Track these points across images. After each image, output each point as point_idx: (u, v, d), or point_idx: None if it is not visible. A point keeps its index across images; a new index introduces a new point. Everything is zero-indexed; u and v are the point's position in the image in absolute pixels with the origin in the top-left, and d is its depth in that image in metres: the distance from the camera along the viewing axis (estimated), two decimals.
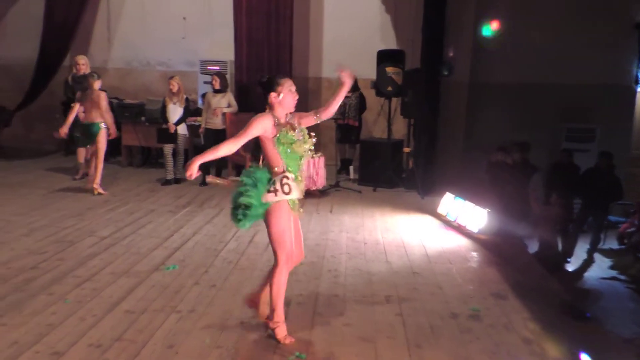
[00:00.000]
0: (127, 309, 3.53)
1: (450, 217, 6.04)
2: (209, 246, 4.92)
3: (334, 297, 3.90)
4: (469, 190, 6.08)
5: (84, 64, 8.00)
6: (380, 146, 7.94)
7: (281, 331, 3.18)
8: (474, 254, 5.07)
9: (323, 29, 9.42)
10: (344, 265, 4.57)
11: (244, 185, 3.11)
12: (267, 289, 3.22)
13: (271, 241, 3.17)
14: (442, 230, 5.80)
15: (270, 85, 3.14)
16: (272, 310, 3.16)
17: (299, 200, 3.26)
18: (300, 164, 3.22)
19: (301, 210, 3.30)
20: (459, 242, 5.40)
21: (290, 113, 3.24)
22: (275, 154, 3.13)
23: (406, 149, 7.92)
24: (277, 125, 3.13)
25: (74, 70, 8.18)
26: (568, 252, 5.96)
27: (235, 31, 8.35)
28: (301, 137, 3.18)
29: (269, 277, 3.22)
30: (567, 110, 7.06)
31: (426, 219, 6.21)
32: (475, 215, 5.64)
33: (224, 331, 3.29)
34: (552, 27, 7.08)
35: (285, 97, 3.14)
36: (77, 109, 6.68)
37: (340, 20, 9.29)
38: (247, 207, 3.05)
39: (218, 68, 8.77)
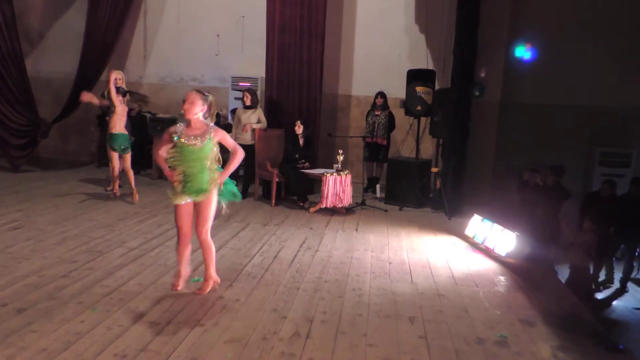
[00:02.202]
0: (153, 320, 3.57)
1: (478, 239, 5.94)
2: (234, 260, 4.95)
3: (358, 316, 3.87)
4: (498, 212, 5.98)
5: (120, 79, 8.23)
6: (408, 165, 7.90)
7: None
8: (502, 277, 4.96)
9: (354, 46, 9.51)
10: (368, 285, 4.54)
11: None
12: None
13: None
14: (469, 253, 5.71)
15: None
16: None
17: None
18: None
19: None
20: (486, 265, 5.30)
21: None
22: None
23: (434, 169, 7.86)
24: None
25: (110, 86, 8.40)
26: (607, 280, 5.79)
27: (267, 48, 8.49)
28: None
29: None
30: (601, 133, 6.92)
31: (453, 240, 6.12)
32: (503, 238, 5.53)
33: (247, 346, 3.29)
34: (585, 48, 6.99)
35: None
36: (99, 102, 7.04)
37: (371, 38, 9.36)
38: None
39: (249, 84, 8.92)
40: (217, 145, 3.99)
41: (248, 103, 7.60)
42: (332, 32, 9.03)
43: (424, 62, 8.98)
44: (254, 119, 7.60)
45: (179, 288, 4.13)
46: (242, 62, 9.58)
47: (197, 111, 3.88)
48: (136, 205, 6.78)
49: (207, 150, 3.89)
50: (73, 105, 9.24)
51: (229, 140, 4.06)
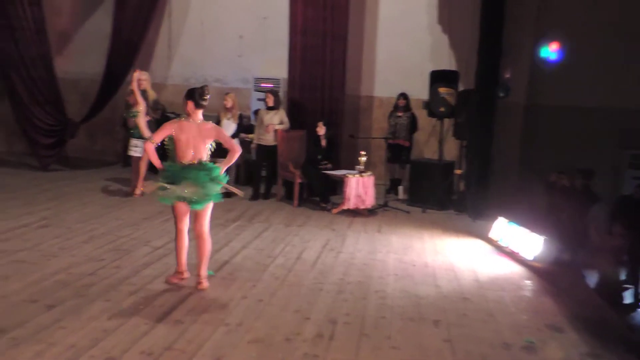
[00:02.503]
0: (178, 318, 3.61)
1: (503, 243, 5.86)
2: (258, 260, 4.98)
3: (381, 318, 3.85)
4: (524, 215, 5.88)
5: (144, 79, 8.36)
6: (430, 167, 7.83)
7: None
8: (528, 282, 4.88)
9: (376, 47, 9.47)
10: (391, 287, 4.51)
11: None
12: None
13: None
14: (493, 256, 5.63)
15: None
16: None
17: None
18: None
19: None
20: (512, 269, 5.22)
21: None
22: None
23: (458, 171, 7.78)
24: None
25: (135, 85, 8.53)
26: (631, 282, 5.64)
27: (289, 49, 8.51)
28: None
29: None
30: (630, 135, 6.75)
31: (477, 243, 6.05)
32: (530, 242, 5.44)
33: (270, 347, 3.30)
34: (613, 48, 6.84)
35: None
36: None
37: (394, 39, 9.31)
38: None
39: (271, 85, 8.96)
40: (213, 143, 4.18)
41: (270, 104, 7.63)
42: (355, 34, 9.01)
43: (447, 62, 8.90)
44: (277, 120, 7.63)
45: (173, 282, 4.21)
46: (265, 63, 9.61)
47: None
48: (160, 205, 6.83)
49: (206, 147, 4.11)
50: (100, 106, 9.42)
51: (226, 138, 4.27)
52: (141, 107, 7.02)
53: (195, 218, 4.18)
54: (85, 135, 10.11)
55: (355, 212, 7.05)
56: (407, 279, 4.73)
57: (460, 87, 8.05)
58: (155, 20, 9.76)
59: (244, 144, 8.21)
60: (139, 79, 8.25)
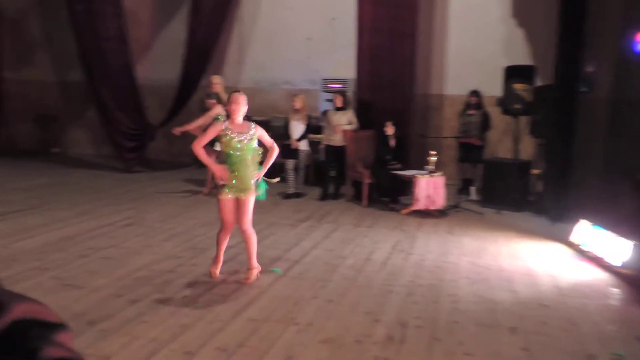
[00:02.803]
0: (250, 316, 3.71)
1: (586, 247, 5.51)
2: (327, 261, 5.01)
3: (454, 323, 3.75)
4: (609, 217, 5.50)
5: (217, 83, 8.67)
6: (505, 166, 7.53)
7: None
8: (615, 290, 4.57)
9: (447, 44, 9.25)
10: (464, 291, 4.38)
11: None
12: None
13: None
14: (575, 261, 5.31)
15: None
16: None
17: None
18: None
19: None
20: (596, 276, 4.90)
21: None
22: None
23: (535, 171, 7.42)
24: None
25: (209, 89, 8.89)
26: None
27: (357, 50, 8.49)
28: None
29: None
30: None
31: (557, 247, 5.73)
32: (617, 247, 5.08)
33: (341, 348, 3.31)
34: None
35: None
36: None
37: (465, 34, 9.05)
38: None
39: (340, 86, 8.99)
40: (257, 142, 4.30)
41: (339, 105, 7.66)
42: (424, 31, 8.84)
43: (523, 57, 8.51)
44: (345, 120, 7.64)
45: (217, 275, 4.41)
46: (333, 64, 9.66)
47: (243, 111, 4.21)
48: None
49: (251, 146, 4.20)
50: (176, 110, 9.88)
51: (266, 137, 4.36)
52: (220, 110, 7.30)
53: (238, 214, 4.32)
54: (164, 138, 10.64)
55: (425, 213, 6.92)
56: (481, 283, 4.57)
57: (537, 83, 7.68)
58: (227, 26, 10.09)
59: (313, 145, 8.31)
60: (213, 82, 8.60)
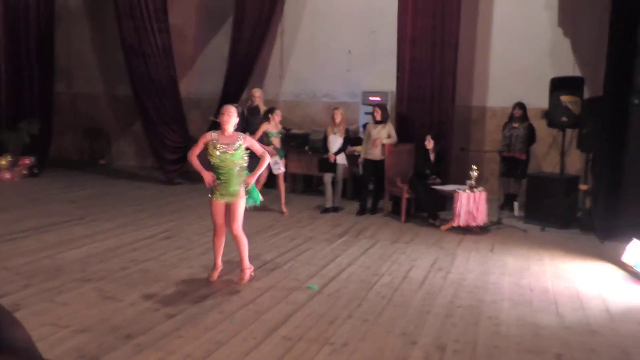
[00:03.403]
0: (285, 334, 3.68)
1: (639, 268, 5.21)
2: (363, 278, 4.93)
3: (494, 348, 3.60)
4: None
5: (258, 96, 8.78)
6: (551, 182, 7.25)
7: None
8: None
9: (490, 55, 9.04)
10: (506, 313, 4.21)
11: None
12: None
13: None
14: (627, 283, 5.02)
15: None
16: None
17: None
18: None
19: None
20: None
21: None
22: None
23: (583, 186, 7.11)
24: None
25: (249, 102, 9.02)
26: None
27: (398, 61, 8.40)
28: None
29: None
30: None
31: (607, 268, 5.45)
32: None
33: None
34: None
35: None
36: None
37: (509, 45, 8.82)
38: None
39: (379, 99, 8.93)
40: (246, 151, 4.56)
41: (378, 118, 7.59)
42: (466, 40, 8.67)
43: (570, 68, 8.22)
44: (384, 134, 7.56)
45: (214, 279, 4.64)
46: (373, 76, 9.62)
47: (233, 122, 4.48)
48: (271, 219, 7.12)
49: (238, 155, 4.46)
50: (218, 124, 10.05)
51: (256, 147, 4.67)
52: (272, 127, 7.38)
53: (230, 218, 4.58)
54: (205, 151, 10.85)
55: (465, 230, 6.73)
56: (524, 306, 4.39)
57: (586, 95, 7.39)
58: (269, 39, 10.22)
59: (351, 158, 8.26)
60: (254, 95, 8.71)
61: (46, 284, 4.43)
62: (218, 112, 9.90)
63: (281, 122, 7.83)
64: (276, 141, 7.49)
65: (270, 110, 7.62)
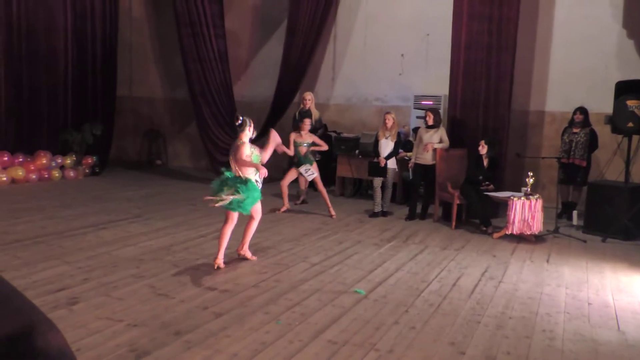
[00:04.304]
0: (330, 338, 3.66)
1: None
2: (411, 284, 4.85)
3: None
4: None
5: (309, 100, 8.85)
6: (614, 190, 6.88)
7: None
8: None
9: (550, 58, 8.71)
10: (561, 327, 4.02)
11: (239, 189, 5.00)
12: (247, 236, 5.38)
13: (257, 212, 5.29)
14: None
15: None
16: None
17: None
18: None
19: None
20: None
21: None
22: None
23: None
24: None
25: (301, 106, 9.09)
26: None
27: (451, 65, 8.23)
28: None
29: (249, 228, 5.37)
30: None
31: None
32: None
33: None
34: None
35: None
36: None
37: (570, 47, 8.47)
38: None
39: (431, 103, 8.78)
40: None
41: (430, 123, 7.47)
42: (524, 44, 8.39)
43: (636, 71, 7.77)
44: (436, 138, 7.43)
45: (222, 265, 5.04)
46: (425, 80, 9.48)
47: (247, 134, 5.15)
48: (319, 221, 7.14)
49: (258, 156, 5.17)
50: (269, 127, 10.20)
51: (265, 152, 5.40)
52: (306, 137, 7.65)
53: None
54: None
55: (519, 238, 6.50)
56: (582, 320, 4.17)
57: None
58: (322, 43, 10.28)
59: (402, 163, 8.16)
60: (305, 99, 8.81)
61: (103, 279, 4.63)
62: (272, 115, 10.13)
63: (329, 126, 7.97)
64: (303, 150, 7.58)
65: (300, 120, 7.85)
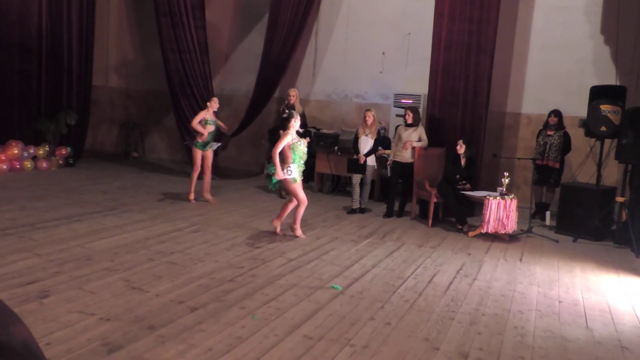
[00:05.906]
0: (306, 333, 3.66)
1: None
2: (387, 281, 4.88)
3: (520, 359, 3.50)
4: None
5: (293, 96, 8.81)
6: (585, 192, 7.05)
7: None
8: None
9: (527, 61, 8.85)
10: (532, 324, 4.10)
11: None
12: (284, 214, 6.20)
13: (291, 192, 6.09)
14: None
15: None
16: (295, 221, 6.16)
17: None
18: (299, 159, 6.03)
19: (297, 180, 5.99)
20: None
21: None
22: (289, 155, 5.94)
23: (620, 198, 6.89)
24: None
25: (286, 101, 9.05)
26: None
27: (431, 65, 8.30)
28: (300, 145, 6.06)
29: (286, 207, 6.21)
30: None
31: None
32: None
33: None
34: None
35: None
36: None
37: (547, 52, 8.62)
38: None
39: (411, 101, 8.84)
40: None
41: (410, 121, 7.52)
42: (503, 47, 8.51)
43: (611, 77, 7.97)
44: (415, 137, 7.49)
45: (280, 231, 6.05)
46: (406, 79, 9.55)
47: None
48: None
49: None
50: (249, 120, 10.14)
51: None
52: None
53: None
54: (235, 148, 10.97)
55: (494, 237, 6.61)
56: (552, 317, 4.27)
57: (628, 105, 7.15)
58: (303, 39, 10.25)
59: (381, 160, 8.21)
60: (289, 94, 8.80)
61: (76, 272, 4.53)
62: (251, 109, 10.05)
63: (308, 122, 7.93)
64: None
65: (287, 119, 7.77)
